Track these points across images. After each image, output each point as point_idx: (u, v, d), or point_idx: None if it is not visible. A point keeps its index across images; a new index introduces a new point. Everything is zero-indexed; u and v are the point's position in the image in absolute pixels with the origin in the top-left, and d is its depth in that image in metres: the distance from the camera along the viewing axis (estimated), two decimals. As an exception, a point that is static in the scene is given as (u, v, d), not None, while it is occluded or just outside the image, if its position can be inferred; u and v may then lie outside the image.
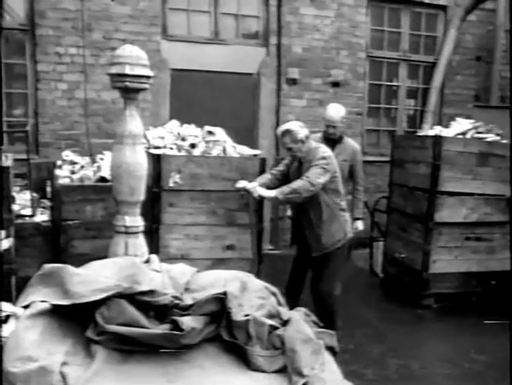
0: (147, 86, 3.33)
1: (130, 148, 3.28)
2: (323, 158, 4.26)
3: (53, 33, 6.65)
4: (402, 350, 4.75)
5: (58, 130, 6.76)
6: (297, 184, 4.19)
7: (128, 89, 3.26)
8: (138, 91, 3.31)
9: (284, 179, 4.53)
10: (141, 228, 3.46)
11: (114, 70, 3.25)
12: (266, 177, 4.60)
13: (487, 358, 4.61)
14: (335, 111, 5.12)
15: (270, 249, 7.20)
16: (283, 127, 4.39)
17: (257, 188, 4.31)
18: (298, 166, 4.43)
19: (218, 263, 4.49)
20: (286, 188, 4.21)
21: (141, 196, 3.40)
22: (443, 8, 8.41)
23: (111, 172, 3.46)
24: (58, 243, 4.38)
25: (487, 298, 5.84)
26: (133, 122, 3.31)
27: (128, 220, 3.36)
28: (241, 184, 4.41)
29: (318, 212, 4.37)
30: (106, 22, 6.82)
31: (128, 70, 3.17)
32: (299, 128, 4.31)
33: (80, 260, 3.00)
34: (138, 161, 3.31)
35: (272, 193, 4.26)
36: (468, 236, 5.79)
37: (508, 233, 5.81)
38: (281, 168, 4.62)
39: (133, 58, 3.20)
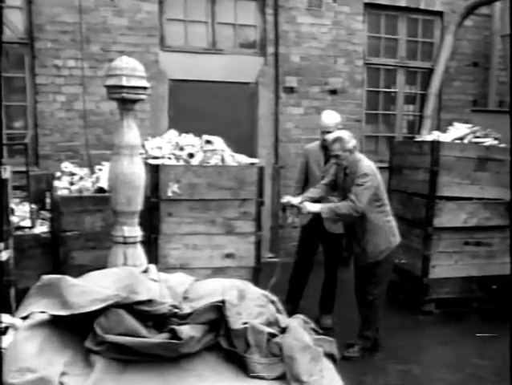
0: (143, 97, 3.35)
1: (127, 159, 3.29)
2: (365, 174, 4.39)
3: (51, 46, 6.70)
4: (403, 356, 4.75)
5: (57, 142, 6.80)
6: (342, 209, 4.36)
7: (124, 100, 3.27)
8: (135, 102, 3.32)
9: (335, 186, 4.76)
10: (139, 239, 3.46)
11: (111, 81, 3.27)
12: (316, 191, 4.77)
13: (489, 363, 4.60)
14: (330, 117, 5.20)
15: (270, 258, 7.21)
16: (335, 134, 4.58)
17: (305, 203, 4.50)
18: (343, 178, 4.61)
19: (218, 272, 4.48)
20: (332, 211, 4.41)
21: (139, 206, 3.41)
22: (439, 14, 8.45)
23: (108, 182, 3.47)
24: (58, 254, 4.39)
25: (488, 303, 5.83)
26: (130, 133, 3.32)
27: (127, 230, 3.36)
28: (286, 198, 4.65)
29: (362, 224, 4.50)
30: (104, 35, 6.87)
31: (124, 81, 3.19)
32: (349, 138, 4.49)
33: (80, 271, 3.00)
34: (135, 172, 3.32)
35: (318, 208, 4.44)
36: (467, 240, 5.80)
37: (508, 237, 5.81)
38: (331, 178, 4.78)
39: (129, 69, 3.22)
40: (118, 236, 3.38)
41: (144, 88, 3.32)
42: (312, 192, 4.79)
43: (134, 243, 3.39)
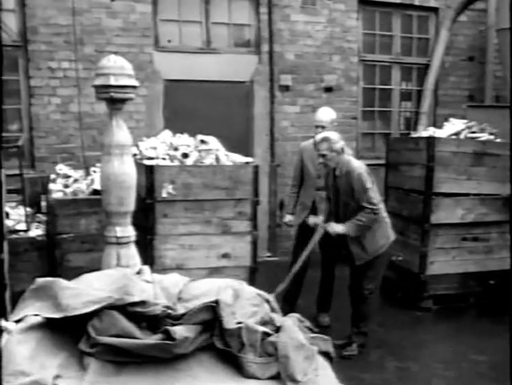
0: (132, 96, 3.32)
1: (118, 159, 3.28)
2: (360, 174, 4.40)
3: (45, 48, 6.69)
4: (401, 353, 4.74)
5: (53, 144, 6.80)
6: (363, 219, 4.36)
7: (113, 100, 3.25)
8: (124, 101, 3.29)
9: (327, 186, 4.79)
10: (132, 239, 3.44)
11: (99, 81, 3.24)
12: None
13: (486, 358, 4.60)
14: (324, 113, 5.23)
15: (268, 256, 7.20)
16: (323, 134, 4.59)
17: (332, 224, 4.53)
18: (333, 180, 4.60)
19: (214, 272, 4.47)
20: (355, 226, 4.41)
21: (131, 206, 3.39)
22: (434, 10, 8.46)
23: (100, 183, 3.47)
24: (54, 257, 4.38)
25: (486, 298, 5.83)
26: (120, 132, 3.31)
27: (119, 230, 3.34)
28: (313, 220, 4.78)
29: None
30: (98, 36, 6.86)
31: (112, 81, 3.17)
32: (338, 139, 4.49)
33: (76, 273, 2.98)
34: (126, 172, 3.31)
35: (343, 229, 4.45)
36: (465, 236, 5.79)
37: (505, 232, 5.80)
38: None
39: (117, 68, 3.19)
40: (111, 236, 3.37)
41: (133, 87, 3.29)
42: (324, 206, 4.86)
43: (127, 243, 3.38)
